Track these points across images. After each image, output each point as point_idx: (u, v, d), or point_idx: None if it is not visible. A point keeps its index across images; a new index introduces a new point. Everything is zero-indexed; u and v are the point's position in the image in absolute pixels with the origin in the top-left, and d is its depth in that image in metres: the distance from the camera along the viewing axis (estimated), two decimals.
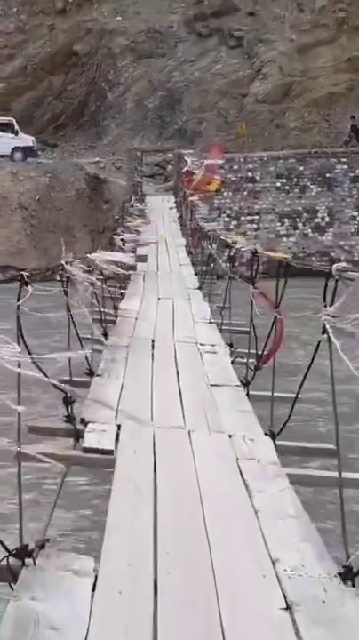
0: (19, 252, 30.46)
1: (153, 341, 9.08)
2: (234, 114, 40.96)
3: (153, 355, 8.42)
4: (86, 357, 7.02)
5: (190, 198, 22.51)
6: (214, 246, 12.99)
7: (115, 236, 12.92)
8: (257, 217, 31.67)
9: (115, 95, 44.12)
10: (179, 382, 7.23)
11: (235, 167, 31.70)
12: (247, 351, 7.44)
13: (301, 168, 32.14)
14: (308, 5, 42.31)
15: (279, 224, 31.86)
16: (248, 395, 6.88)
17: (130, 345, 8.80)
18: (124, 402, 6.42)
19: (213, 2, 43.56)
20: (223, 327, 10.00)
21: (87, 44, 44.94)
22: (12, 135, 34.99)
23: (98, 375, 7.26)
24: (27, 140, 35.63)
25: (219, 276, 14.46)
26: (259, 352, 6.94)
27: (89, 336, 8.19)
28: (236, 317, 9.88)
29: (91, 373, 7.23)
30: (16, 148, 34.69)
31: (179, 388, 7.04)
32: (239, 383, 7.21)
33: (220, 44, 42.95)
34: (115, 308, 11.07)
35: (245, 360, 7.65)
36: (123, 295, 12.39)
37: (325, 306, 3.69)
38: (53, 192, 32.26)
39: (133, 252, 15.20)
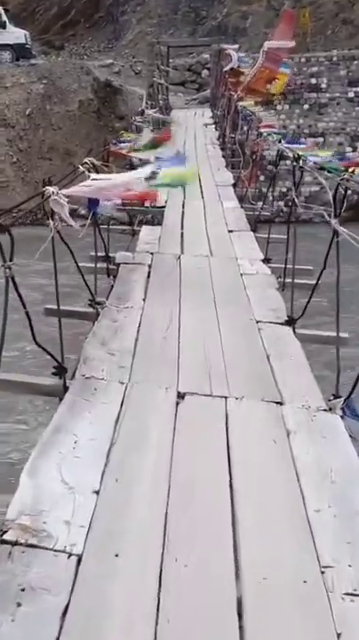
0: (2, 186, 24.76)
1: None
2: (288, 5, 34.52)
3: None
4: None
5: (240, 104, 14.37)
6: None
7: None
8: (321, 139, 25.64)
9: None
10: None
11: (294, 71, 24.96)
12: None
13: None
14: None
15: (350, 149, 25.83)
16: None
17: None
18: None
19: None
20: None
21: None
22: None
23: None
24: (18, 34, 29.32)
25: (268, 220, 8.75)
26: None
27: None
28: None
29: None
30: (3, 46, 28.39)
31: None
32: None
33: None
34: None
35: None
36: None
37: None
38: (50, 104, 26.44)
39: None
